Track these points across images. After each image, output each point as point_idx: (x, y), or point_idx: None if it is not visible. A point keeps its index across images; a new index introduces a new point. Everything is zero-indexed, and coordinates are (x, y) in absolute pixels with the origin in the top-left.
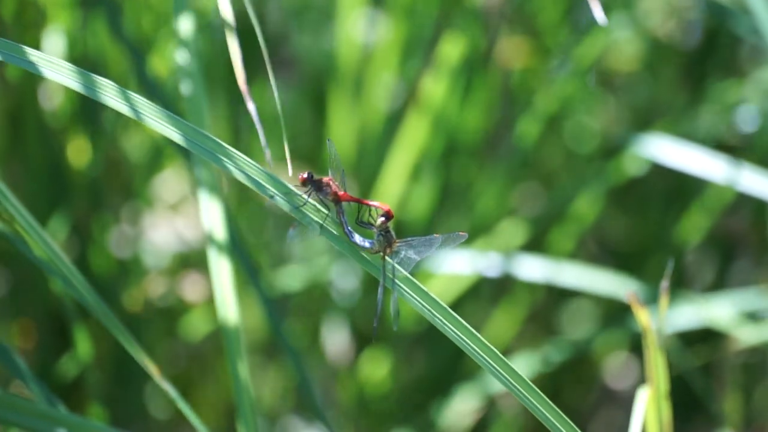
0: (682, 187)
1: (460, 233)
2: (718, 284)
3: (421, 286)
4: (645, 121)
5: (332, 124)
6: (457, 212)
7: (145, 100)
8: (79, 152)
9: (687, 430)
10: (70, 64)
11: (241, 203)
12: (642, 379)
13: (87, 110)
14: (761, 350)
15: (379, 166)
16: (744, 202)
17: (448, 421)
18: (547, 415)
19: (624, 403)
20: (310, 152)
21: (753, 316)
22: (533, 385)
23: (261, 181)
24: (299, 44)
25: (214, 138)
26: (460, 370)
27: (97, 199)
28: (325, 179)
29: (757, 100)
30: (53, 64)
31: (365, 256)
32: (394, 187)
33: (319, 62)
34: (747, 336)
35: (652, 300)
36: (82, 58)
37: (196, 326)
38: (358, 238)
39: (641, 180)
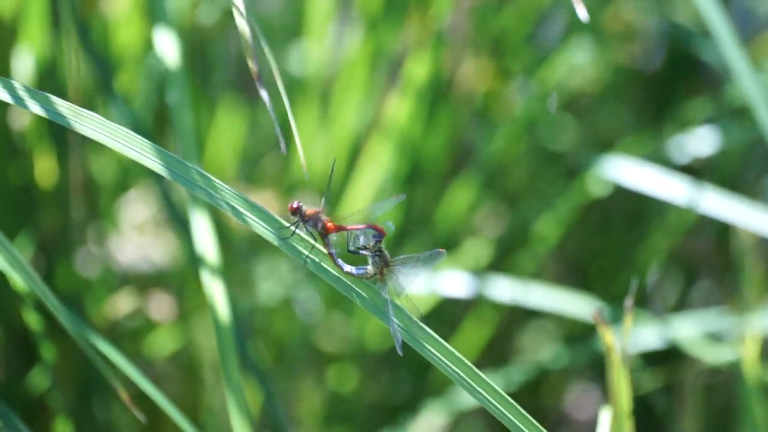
0: (644, 209)
1: (440, 250)
2: (681, 305)
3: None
4: (607, 143)
5: (299, 143)
6: (421, 232)
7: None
8: (46, 172)
9: None
10: (30, 88)
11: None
12: (602, 405)
13: (54, 130)
14: (723, 371)
15: (348, 185)
16: (707, 223)
17: None
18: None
19: (583, 427)
20: (278, 172)
21: (715, 337)
22: (509, 399)
23: (243, 211)
24: (264, 63)
25: (198, 168)
26: (426, 385)
27: (63, 218)
28: (314, 210)
29: (719, 121)
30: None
31: (356, 285)
32: (359, 205)
33: (285, 81)
34: (709, 357)
35: (614, 320)
36: (50, 73)
37: (161, 346)
38: (349, 268)
39: (604, 201)
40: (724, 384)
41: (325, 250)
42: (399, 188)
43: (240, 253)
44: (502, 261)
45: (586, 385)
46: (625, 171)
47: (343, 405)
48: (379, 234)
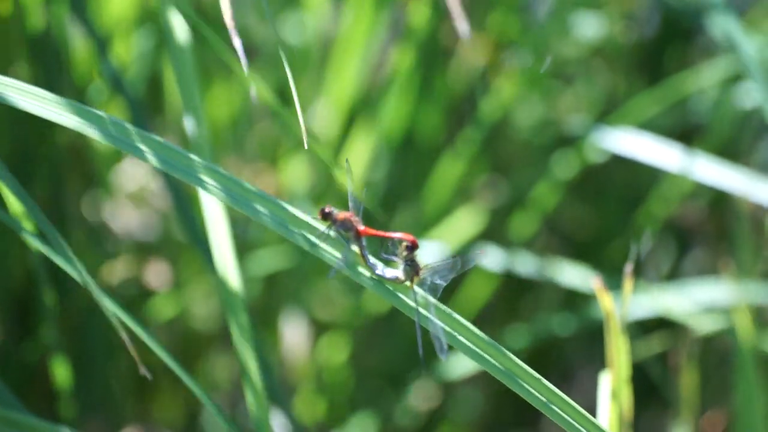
0: (638, 177)
1: (479, 251)
2: (674, 274)
3: (451, 312)
4: (602, 111)
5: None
6: (414, 200)
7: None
8: (42, 139)
9: (642, 418)
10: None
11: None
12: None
13: None
14: (718, 339)
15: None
16: (701, 191)
17: (407, 407)
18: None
19: (582, 391)
20: (273, 144)
21: (710, 305)
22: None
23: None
24: (258, 34)
25: (220, 170)
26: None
27: (59, 185)
28: (345, 215)
29: (712, 90)
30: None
31: (390, 287)
32: (354, 173)
33: (279, 52)
34: (704, 325)
35: (609, 289)
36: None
37: (156, 315)
38: (382, 270)
39: (598, 170)
40: (718, 352)
41: (358, 252)
42: (393, 155)
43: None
44: (497, 230)
45: (581, 355)
46: (619, 139)
47: (336, 375)
48: (412, 245)
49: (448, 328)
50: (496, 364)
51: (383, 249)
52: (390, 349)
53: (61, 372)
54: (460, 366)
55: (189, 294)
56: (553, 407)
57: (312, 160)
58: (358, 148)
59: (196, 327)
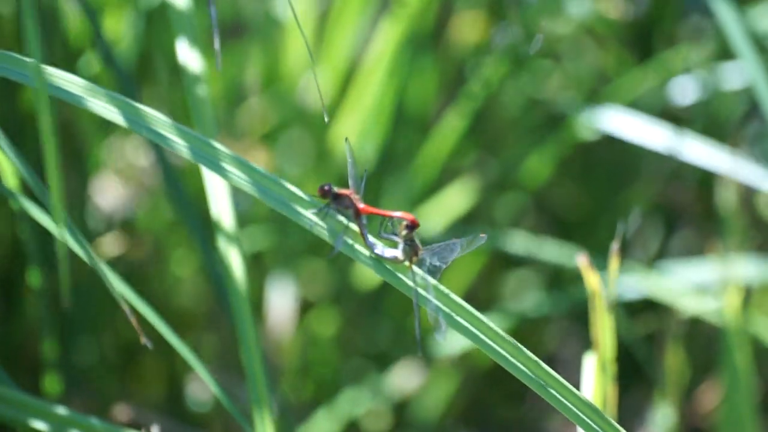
0: (627, 157)
1: (481, 235)
2: (661, 254)
3: (449, 293)
4: (591, 90)
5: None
6: (402, 176)
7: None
8: (29, 114)
9: (626, 399)
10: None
11: (193, 165)
12: (584, 352)
13: None
14: (704, 320)
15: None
16: (688, 171)
17: (393, 385)
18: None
19: (564, 374)
20: (262, 117)
21: (697, 286)
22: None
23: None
24: (247, 9)
25: (221, 147)
26: (407, 333)
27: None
28: (346, 192)
29: (701, 69)
30: None
31: (389, 267)
32: (342, 148)
33: (268, 27)
34: (690, 305)
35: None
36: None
37: (144, 291)
38: (381, 249)
39: (586, 149)
40: (704, 333)
41: (357, 230)
42: (383, 130)
43: None
44: (484, 208)
45: (566, 334)
46: (607, 118)
47: (323, 352)
48: (412, 224)
49: (444, 307)
50: (492, 344)
51: (383, 228)
52: (376, 328)
53: (48, 345)
54: (447, 346)
55: (175, 271)
56: (552, 391)
57: (302, 138)
58: (349, 123)
59: (182, 304)
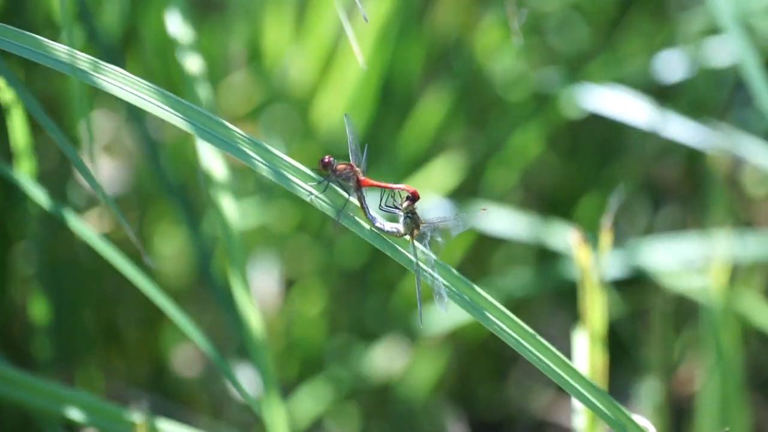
0: (613, 135)
1: (482, 209)
2: (648, 231)
3: (453, 270)
4: (577, 66)
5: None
6: (388, 153)
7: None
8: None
9: (613, 375)
10: None
11: (177, 143)
12: (566, 328)
13: None
14: (690, 298)
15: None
16: (676, 148)
17: (378, 363)
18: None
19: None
20: (246, 93)
21: (683, 263)
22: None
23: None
24: None
25: (223, 122)
26: (394, 308)
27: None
28: (346, 165)
29: (689, 45)
30: None
31: (390, 240)
32: (329, 122)
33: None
34: (678, 282)
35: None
36: None
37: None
38: (382, 223)
39: (572, 127)
40: (690, 311)
41: (357, 203)
42: (369, 105)
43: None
44: (472, 184)
45: (551, 310)
46: (593, 95)
47: (308, 330)
48: (413, 196)
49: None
50: (491, 317)
51: (384, 201)
52: (362, 305)
53: (39, 308)
54: (433, 324)
55: (159, 248)
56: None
57: (287, 113)
58: (333, 100)
59: (166, 281)
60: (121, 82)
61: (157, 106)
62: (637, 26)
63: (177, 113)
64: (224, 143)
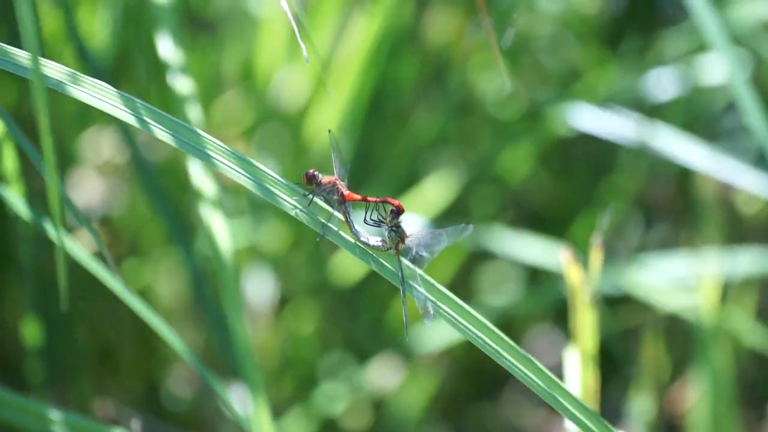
0: (605, 153)
1: (467, 224)
2: (640, 249)
3: (438, 286)
4: (567, 85)
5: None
6: (380, 170)
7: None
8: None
9: (604, 393)
10: None
11: (168, 164)
12: (563, 348)
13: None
14: (682, 316)
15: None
16: (667, 167)
17: (372, 380)
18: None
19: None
20: (239, 112)
21: (675, 281)
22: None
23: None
24: (220, 5)
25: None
26: (386, 327)
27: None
28: (330, 179)
29: (679, 64)
30: None
31: (375, 254)
32: (319, 142)
33: (242, 22)
34: (669, 301)
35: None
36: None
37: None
38: (367, 237)
39: (564, 146)
40: (682, 328)
41: (342, 218)
42: (360, 122)
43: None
44: (462, 204)
45: (543, 329)
46: (584, 115)
47: (302, 346)
48: (397, 210)
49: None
50: (479, 334)
51: (368, 215)
52: (355, 323)
53: (31, 329)
54: (427, 341)
55: (152, 267)
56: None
57: (279, 132)
58: (325, 117)
59: (159, 300)
60: (106, 97)
61: (139, 117)
62: (628, 45)
63: (155, 122)
64: (207, 156)
